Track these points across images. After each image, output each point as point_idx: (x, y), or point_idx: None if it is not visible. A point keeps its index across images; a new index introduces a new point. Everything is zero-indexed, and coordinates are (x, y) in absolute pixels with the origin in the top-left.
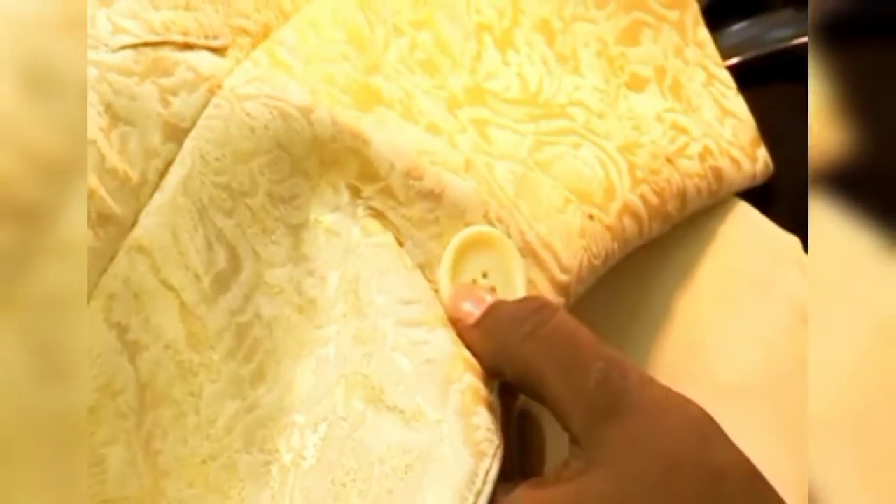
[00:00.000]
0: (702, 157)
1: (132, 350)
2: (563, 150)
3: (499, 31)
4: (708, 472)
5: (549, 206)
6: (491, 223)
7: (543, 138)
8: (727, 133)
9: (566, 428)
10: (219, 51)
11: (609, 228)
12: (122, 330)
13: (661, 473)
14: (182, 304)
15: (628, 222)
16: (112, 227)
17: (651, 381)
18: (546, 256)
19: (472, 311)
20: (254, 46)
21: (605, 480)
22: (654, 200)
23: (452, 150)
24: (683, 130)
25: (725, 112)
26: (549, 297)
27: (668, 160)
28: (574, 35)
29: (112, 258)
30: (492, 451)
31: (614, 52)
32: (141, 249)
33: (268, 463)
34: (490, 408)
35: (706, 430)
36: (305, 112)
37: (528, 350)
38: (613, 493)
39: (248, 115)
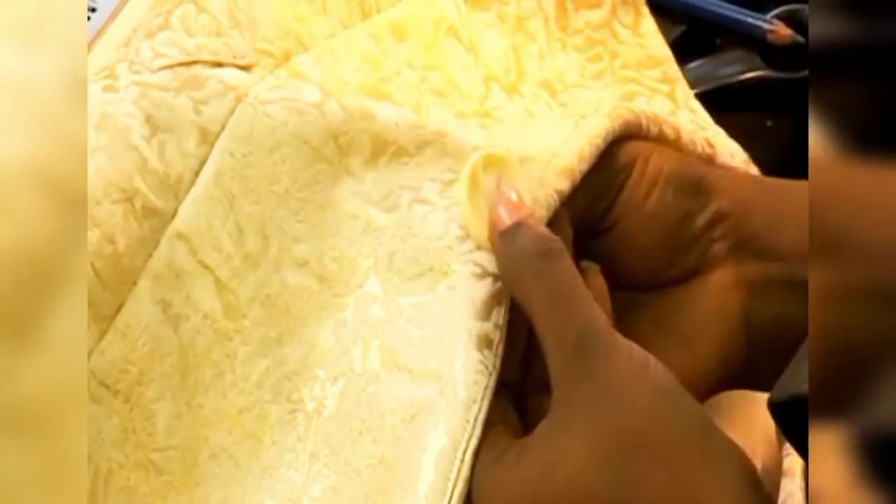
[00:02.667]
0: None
1: (175, 321)
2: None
3: (505, 82)
4: (663, 440)
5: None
6: (493, 145)
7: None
8: (720, 138)
9: (550, 374)
10: (245, 68)
11: (606, 115)
12: (166, 305)
13: (620, 445)
14: (217, 280)
15: (623, 112)
16: (155, 219)
17: (620, 348)
18: (545, 156)
19: (504, 217)
20: (276, 67)
21: (571, 451)
22: (651, 114)
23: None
24: None
25: (717, 132)
26: (555, 183)
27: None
28: (574, 95)
29: (156, 245)
30: (480, 394)
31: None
32: (180, 236)
33: (294, 411)
34: (483, 345)
35: (665, 397)
36: (317, 106)
37: (529, 290)
38: (579, 465)
39: (268, 116)
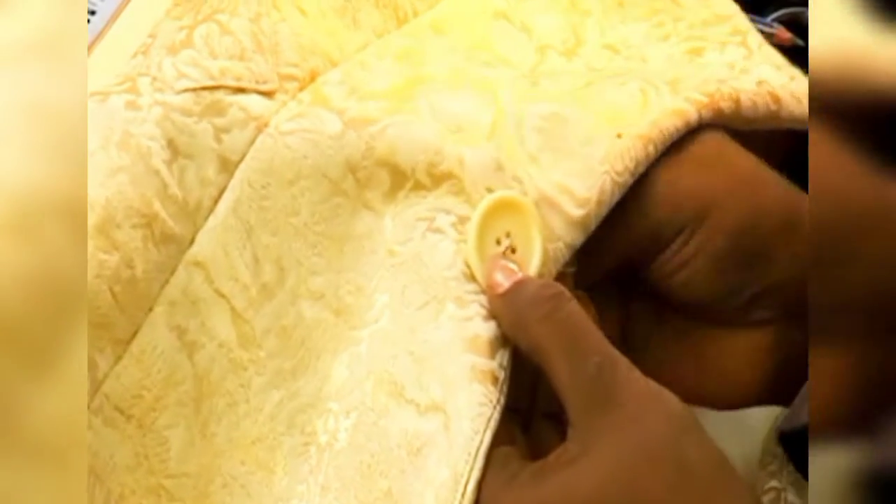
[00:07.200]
0: (758, 83)
1: (190, 348)
2: (606, 86)
3: (562, 49)
4: (680, 466)
5: (574, 143)
6: (508, 184)
7: (593, 78)
8: (797, 84)
9: (566, 409)
10: (267, 94)
11: (640, 137)
12: (181, 332)
13: (638, 467)
14: (233, 309)
15: (667, 122)
16: (173, 246)
17: (638, 378)
18: (562, 199)
19: (502, 282)
20: (300, 89)
21: (590, 472)
22: (703, 99)
23: (485, 110)
24: (744, 70)
25: (792, 77)
26: (566, 236)
27: (720, 80)
28: (641, 52)
29: (173, 272)
30: (483, 426)
31: (682, 57)
32: (197, 264)
33: (307, 444)
34: (488, 380)
35: (682, 426)
36: (337, 138)
37: (540, 331)
38: (596, 485)
39: (288, 148)
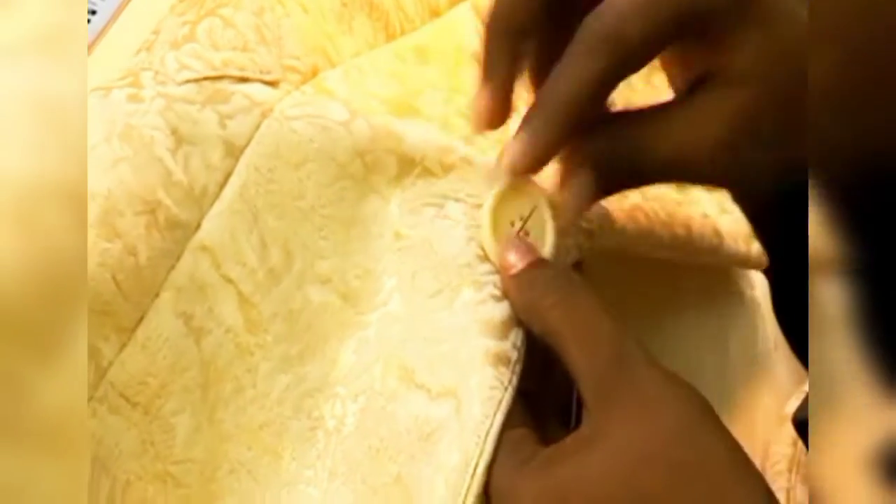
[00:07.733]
0: (704, 216)
1: (197, 334)
2: None
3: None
4: (680, 465)
5: None
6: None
7: None
8: (725, 222)
9: (581, 394)
10: (271, 83)
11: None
12: (188, 317)
13: (638, 462)
14: (240, 294)
15: (634, 219)
16: (178, 231)
17: (655, 368)
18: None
19: (515, 262)
20: (303, 82)
21: (597, 464)
22: (663, 216)
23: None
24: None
25: (724, 210)
26: (576, 236)
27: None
28: None
29: (179, 257)
30: (493, 409)
31: None
32: (204, 249)
33: (314, 428)
34: (500, 362)
35: (694, 422)
36: (344, 124)
37: (554, 317)
38: (600, 477)
39: (294, 132)
